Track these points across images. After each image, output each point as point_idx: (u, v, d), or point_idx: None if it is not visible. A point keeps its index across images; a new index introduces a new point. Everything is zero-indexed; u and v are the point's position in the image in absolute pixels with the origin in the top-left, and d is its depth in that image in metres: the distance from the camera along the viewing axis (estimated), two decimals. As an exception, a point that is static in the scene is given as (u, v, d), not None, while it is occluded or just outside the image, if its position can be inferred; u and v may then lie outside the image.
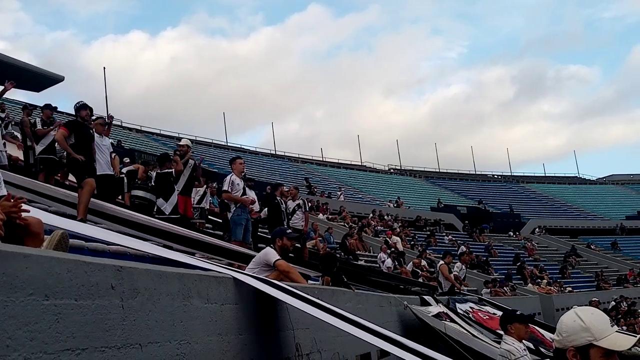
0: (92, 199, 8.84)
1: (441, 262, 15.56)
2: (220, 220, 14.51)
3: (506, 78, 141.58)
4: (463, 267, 16.75)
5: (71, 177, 10.97)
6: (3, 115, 14.61)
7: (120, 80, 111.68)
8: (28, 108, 13.55)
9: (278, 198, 12.95)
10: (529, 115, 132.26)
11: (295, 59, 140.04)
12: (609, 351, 2.38)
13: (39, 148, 11.66)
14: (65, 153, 9.65)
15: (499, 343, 10.40)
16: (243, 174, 11.37)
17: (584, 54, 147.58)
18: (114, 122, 12.43)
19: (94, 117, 10.30)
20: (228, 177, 10.94)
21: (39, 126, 11.79)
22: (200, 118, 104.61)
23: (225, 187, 10.76)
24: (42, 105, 13.01)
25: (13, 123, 15.62)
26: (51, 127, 11.61)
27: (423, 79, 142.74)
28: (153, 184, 11.86)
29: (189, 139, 15.99)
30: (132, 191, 13.20)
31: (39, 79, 25.05)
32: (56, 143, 10.75)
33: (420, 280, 18.30)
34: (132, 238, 7.46)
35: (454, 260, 16.90)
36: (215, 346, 3.61)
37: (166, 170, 11.35)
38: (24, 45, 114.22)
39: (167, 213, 10.80)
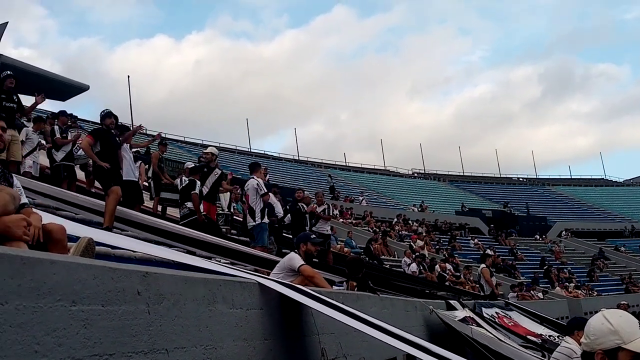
0: (118, 207, 8.89)
1: (483, 265, 15.45)
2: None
3: (533, 76, 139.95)
4: None
5: (97, 184, 11.06)
6: (30, 128, 14.81)
7: (144, 86, 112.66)
8: (50, 118, 13.75)
9: (299, 203, 13.00)
10: (557, 115, 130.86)
11: (320, 61, 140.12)
12: (638, 355, 2.34)
13: (59, 155, 11.80)
14: (91, 161, 9.73)
15: (526, 348, 10.33)
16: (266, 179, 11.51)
17: (613, 52, 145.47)
18: (139, 132, 12.65)
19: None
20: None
21: (57, 134, 11.92)
22: (224, 122, 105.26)
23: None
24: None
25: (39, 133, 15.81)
26: (70, 139, 11.77)
27: (449, 79, 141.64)
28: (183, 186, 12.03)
29: (214, 146, 16.11)
30: (161, 194, 13.38)
31: (65, 88, 25.35)
32: (80, 150, 10.89)
33: (447, 284, 18.17)
34: (157, 245, 7.51)
35: (476, 265, 16.81)
36: (241, 351, 3.61)
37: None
38: (49, 52, 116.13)
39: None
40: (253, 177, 11.26)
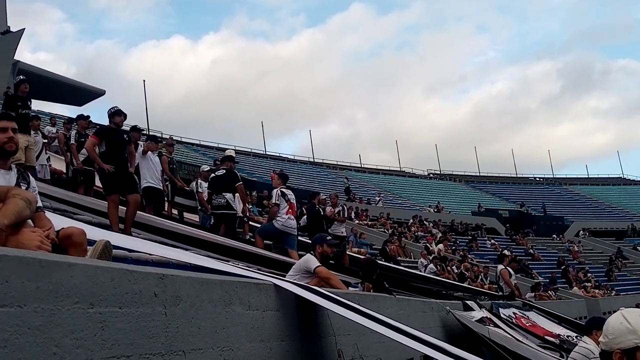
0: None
1: (501, 266, 15.39)
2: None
3: (552, 72, 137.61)
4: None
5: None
6: (54, 130, 14.94)
7: (160, 87, 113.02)
8: (67, 124, 13.83)
9: (317, 206, 13.00)
10: (575, 112, 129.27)
11: (337, 60, 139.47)
12: None
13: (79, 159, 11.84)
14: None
15: (544, 348, 10.27)
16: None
17: (634, 47, 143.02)
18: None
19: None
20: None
21: (72, 140, 11.95)
22: (239, 124, 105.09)
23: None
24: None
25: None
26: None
27: (467, 77, 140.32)
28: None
29: (229, 149, 16.25)
30: (175, 198, 13.45)
31: (81, 94, 25.59)
32: None
33: (466, 284, 18.08)
34: (173, 248, 7.54)
35: (494, 265, 16.71)
36: (258, 352, 3.62)
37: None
38: (66, 56, 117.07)
39: (234, 209, 11.21)
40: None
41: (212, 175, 11.64)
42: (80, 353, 2.23)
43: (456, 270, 19.83)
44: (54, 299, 2.16)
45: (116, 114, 8.91)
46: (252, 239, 12.57)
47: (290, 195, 11.10)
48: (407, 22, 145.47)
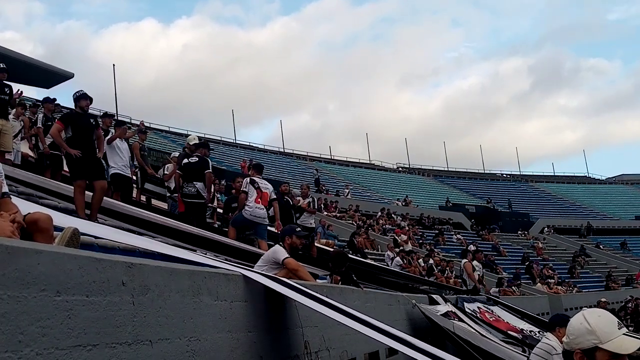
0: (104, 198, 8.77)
1: (464, 260, 15.53)
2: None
3: (523, 68, 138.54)
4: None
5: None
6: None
7: (130, 71, 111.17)
8: (33, 107, 13.64)
9: (286, 197, 12.95)
10: (544, 109, 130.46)
11: (310, 50, 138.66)
12: (615, 354, 2.37)
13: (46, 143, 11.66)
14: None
15: (507, 343, 10.42)
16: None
17: (605, 46, 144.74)
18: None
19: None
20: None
21: (39, 124, 11.76)
22: (210, 111, 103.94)
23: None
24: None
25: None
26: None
27: (439, 71, 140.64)
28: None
29: (198, 136, 16.10)
30: (146, 185, 13.32)
31: (49, 76, 25.13)
32: None
33: (432, 279, 18.24)
34: (140, 236, 7.47)
35: (459, 260, 16.87)
36: (225, 343, 3.62)
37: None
38: (34, 35, 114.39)
39: (205, 198, 11.08)
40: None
41: (185, 161, 11.41)
42: (45, 341, 2.20)
43: (422, 264, 19.99)
44: (20, 286, 2.13)
45: (82, 98, 8.70)
46: (222, 228, 12.51)
47: (262, 183, 11.04)
48: (382, 13, 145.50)
